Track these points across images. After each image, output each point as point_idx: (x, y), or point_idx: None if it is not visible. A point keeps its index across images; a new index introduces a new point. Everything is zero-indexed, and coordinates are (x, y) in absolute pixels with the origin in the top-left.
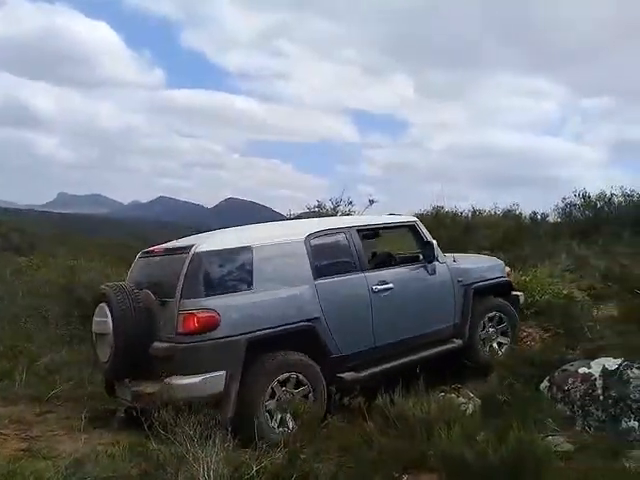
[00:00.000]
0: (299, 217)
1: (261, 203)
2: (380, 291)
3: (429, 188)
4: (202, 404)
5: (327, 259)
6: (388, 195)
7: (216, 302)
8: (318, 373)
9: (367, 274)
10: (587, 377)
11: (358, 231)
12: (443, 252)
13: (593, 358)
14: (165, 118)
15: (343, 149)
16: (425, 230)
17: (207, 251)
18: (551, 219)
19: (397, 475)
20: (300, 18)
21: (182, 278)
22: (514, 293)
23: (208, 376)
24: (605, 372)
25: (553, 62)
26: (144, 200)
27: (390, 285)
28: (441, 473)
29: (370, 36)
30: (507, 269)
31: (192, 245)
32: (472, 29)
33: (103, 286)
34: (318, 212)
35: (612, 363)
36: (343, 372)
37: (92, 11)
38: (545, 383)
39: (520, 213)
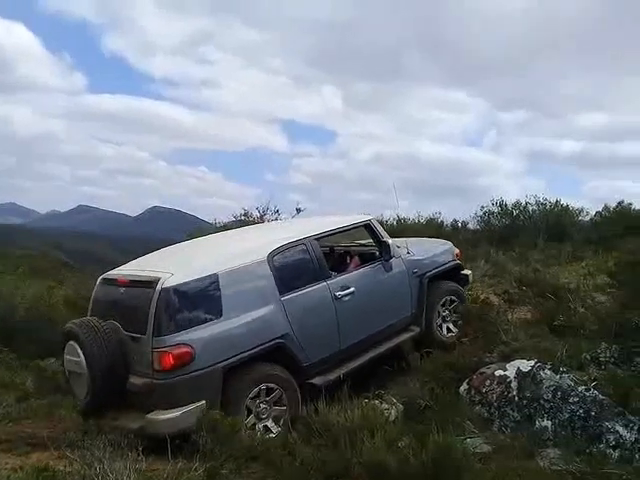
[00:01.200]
0: (225, 226)
1: (188, 212)
2: (343, 296)
3: (357, 197)
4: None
5: (290, 274)
6: (318, 203)
7: (189, 336)
8: (291, 382)
9: (329, 282)
10: (503, 379)
11: (317, 239)
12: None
13: (509, 361)
14: (86, 124)
15: (272, 158)
16: (380, 228)
17: (174, 285)
18: (471, 227)
19: None
20: (225, 25)
21: (152, 316)
22: (463, 272)
23: (189, 408)
24: (519, 374)
25: (472, 76)
26: (63, 209)
27: (352, 289)
28: None
29: (296, 46)
30: (456, 250)
31: (158, 279)
32: (394, 42)
33: (69, 324)
34: (245, 221)
35: (526, 365)
36: (313, 377)
37: (8, 11)
38: (464, 386)
39: (442, 221)
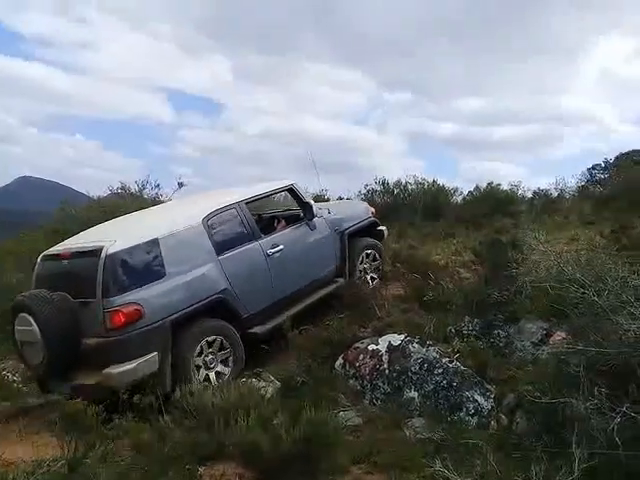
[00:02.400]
0: (99, 200)
1: (63, 183)
2: (273, 254)
3: (246, 171)
4: (141, 384)
5: (225, 235)
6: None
7: (137, 295)
8: (233, 332)
9: (261, 241)
10: (375, 353)
11: (247, 204)
12: None
13: (381, 335)
14: None
15: (157, 128)
16: (302, 192)
17: (118, 251)
18: None
19: (192, 468)
20: None
21: (100, 279)
22: (379, 228)
23: (142, 360)
24: (390, 348)
25: (361, 56)
26: None
27: (281, 247)
28: (238, 461)
29: (186, 12)
30: (371, 209)
31: (101, 247)
32: (287, 16)
33: (20, 297)
34: (121, 194)
35: (396, 339)
36: (253, 328)
37: None
38: (339, 361)
39: (328, 198)
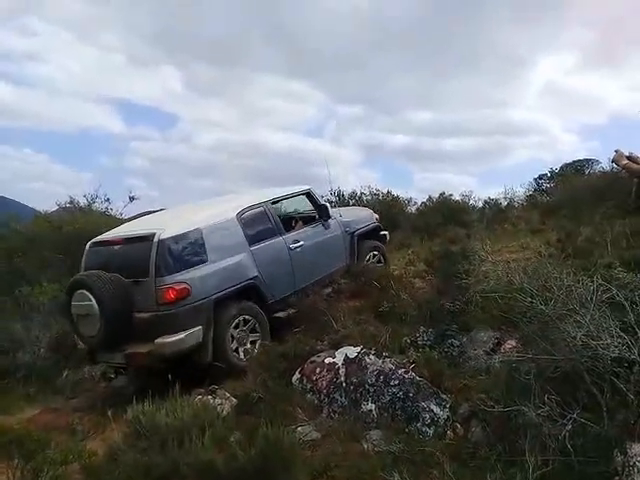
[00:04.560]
0: (47, 216)
1: (10, 197)
2: (295, 248)
3: (200, 183)
4: (186, 354)
5: (255, 229)
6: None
7: (185, 276)
8: (262, 314)
9: (284, 237)
10: (332, 366)
11: (272, 203)
12: None
13: (338, 348)
14: None
15: (106, 140)
16: (317, 195)
17: (168, 237)
18: None
19: None
20: None
21: (153, 261)
22: (382, 233)
23: (189, 332)
24: (347, 360)
25: (313, 69)
26: None
27: (302, 243)
28: None
29: (133, 23)
30: (376, 215)
31: (154, 234)
32: (237, 29)
33: (78, 275)
34: (70, 209)
35: (352, 351)
36: (277, 312)
37: None
38: (297, 375)
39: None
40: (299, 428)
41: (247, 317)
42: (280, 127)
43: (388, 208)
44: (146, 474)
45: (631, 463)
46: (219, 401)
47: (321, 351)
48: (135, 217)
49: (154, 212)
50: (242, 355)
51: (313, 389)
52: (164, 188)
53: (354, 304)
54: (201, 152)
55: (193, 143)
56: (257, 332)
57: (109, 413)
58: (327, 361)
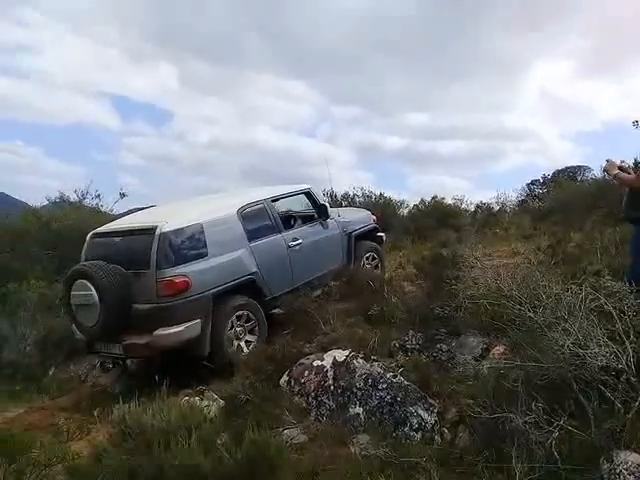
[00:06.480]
0: (35, 211)
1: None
2: (294, 246)
3: (195, 181)
4: (184, 346)
5: (255, 226)
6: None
7: (185, 269)
8: (259, 309)
9: (283, 234)
10: (320, 369)
11: (272, 201)
12: None
13: (326, 351)
14: None
15: (101, 135)
16: (317, 194)
17: (170, 230)
18: None
19: None
20: None
21: (154, 253)
22: (379, 234)
23: (188, 324)
24: (335, 363)
25: (310, 69)
26: None
27: (300, 241)
28: None
29: (131, 17)
30: (373, 216)
31: (155, 226)
32: (235, 27)
33: (79, 265)
34: (60, 204)
35: (341, 355)
36: (274, 309)
37: None
38: (284, 378)
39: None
40: (286, 431)
41: (245, 312)
42: (276, 126)
43: (381, 210)
44: (131, 476)
45: (617, 471)
46: (206, 402)
47: (310, 354)
48: (126, 214)
49: (143, 209)
50: (243, 349)
51: (301, 392)
52: (157, 185)
53: (343, 307)
54: (196, 150)
55: (188, 140)
56: (254, 328)
57: (95, 413)
58: (315, 364)
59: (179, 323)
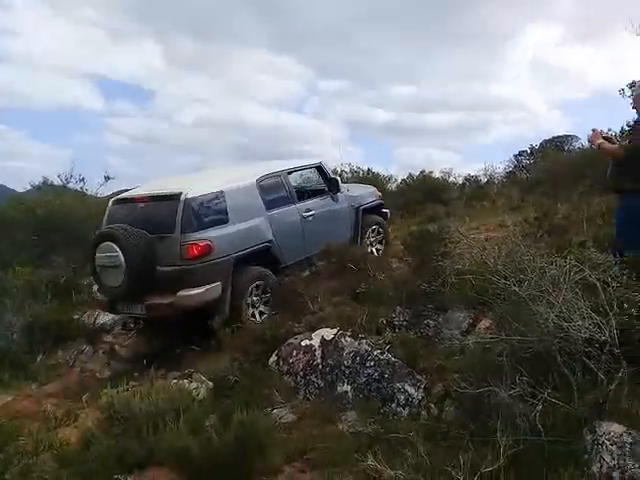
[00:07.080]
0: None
1: None
2: (307, 217)
3: (182, 160)
4: (205, 307)
5: (272, 196)
6: (141, 167)
7: (208, 234)
8: (275, 280)
9: (298, 205)
10: (309, 348)
11: (288, 173)
12: None
13: (314, 330)
14: None
15: (85, 117)
16: (328, 169)
17: (195, 197)
18: None
19: (120, 478)
20: None
21: (179, 218)
22: (384, 210)
23: (210, 286)
24: (323, 342)
25: (297, 43)
26: None
27: (313, 212)
28: (169, 467)
29: None
30: (378, 193)
31: (180, 192)
32: (218, 1)
33: (105, 229)
34: (44, 189)
35: (329, 333)
36: (289, 276)
37: None
38: (273, 358)
39: None
40: (275, 411)
41: (262, 283)
42: (264, 103)
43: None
44: (120, 461)
45: (600, 442)
46: (195, 385)
47: (298, 333)
48: (116, 194)
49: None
50: (257, 317)
51: (290, 371)
52: (146, 166)
53: (331, 285)
54: (183, 129)
55: (175, 120)
56: (268, 301)
57: (83, 399)
58: (304, 343)
59: (201, 285)
